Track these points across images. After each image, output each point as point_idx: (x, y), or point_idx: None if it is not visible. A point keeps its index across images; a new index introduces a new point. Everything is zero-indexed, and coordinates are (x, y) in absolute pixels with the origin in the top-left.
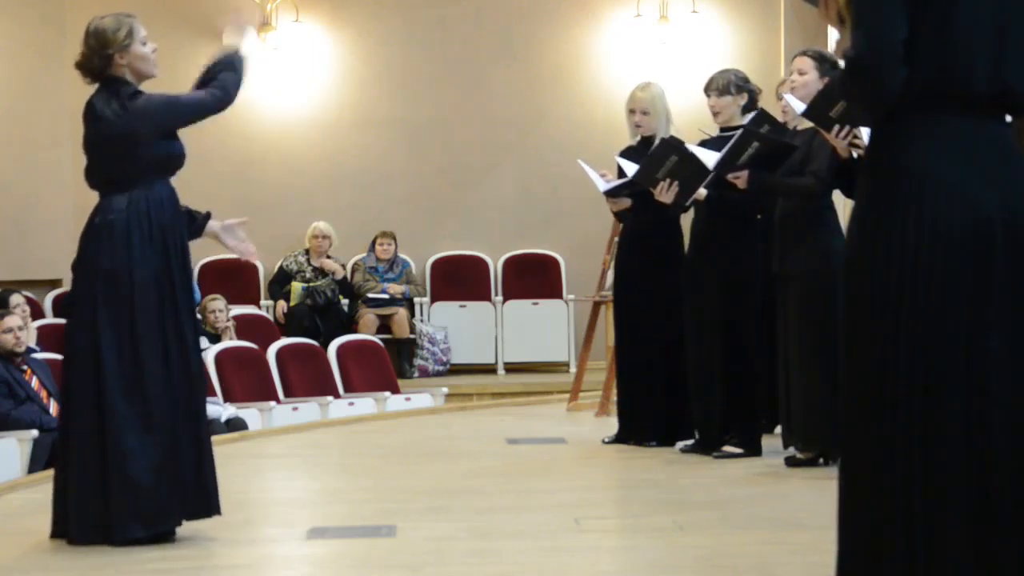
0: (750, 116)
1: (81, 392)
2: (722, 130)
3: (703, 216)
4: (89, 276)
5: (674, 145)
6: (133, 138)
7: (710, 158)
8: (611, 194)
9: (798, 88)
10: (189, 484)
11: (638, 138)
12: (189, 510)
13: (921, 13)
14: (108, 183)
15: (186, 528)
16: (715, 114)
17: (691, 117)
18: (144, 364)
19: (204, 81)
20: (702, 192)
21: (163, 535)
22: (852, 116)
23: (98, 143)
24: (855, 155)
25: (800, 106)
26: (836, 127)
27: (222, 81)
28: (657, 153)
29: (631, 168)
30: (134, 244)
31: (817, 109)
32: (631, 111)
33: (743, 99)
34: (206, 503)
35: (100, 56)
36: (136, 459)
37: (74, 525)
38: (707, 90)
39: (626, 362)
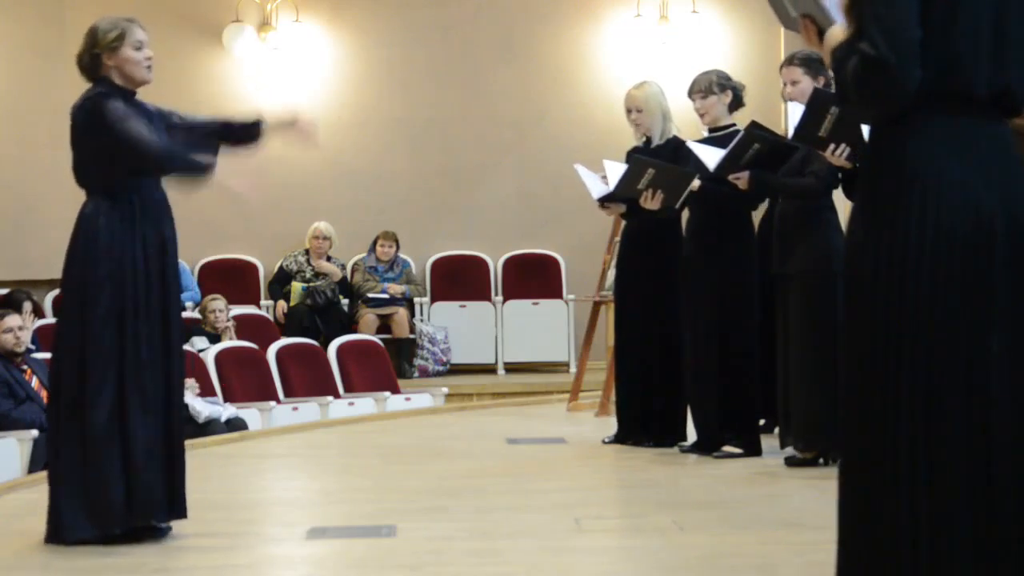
0: (737, 114)
1: (51, 400)
2: (711, 131)
3: (699, 216)
4: (66, 285)
5: (647, 160)
6: (90, 141)
7: (711, 157)
8: (605, 199)
9: (796, 99)
10: (146, 487)
11: (643, 138)
12: (147, 515)
13: (925, 14)
14: (85, 184)
15: (186, 528)
16: (701, 115)
17: (691, 117)
18: (111, 372)
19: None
20: (695, 183)
21: (159, 530)
22: (841, 133)
23: (72, 143)
24: (856, 164)
25: (796, 120)
26: (831, 146)
27: (178, 146)
28: (632, 169)
29: (613, 168)
30: (102, 252)
31: (805, 132)
32: (628, 110)
33: (727, 97)
34: (171, 506)
35: (89, 55)
36: (95, 463)
37: (48, 525)
38: (691, 94)
39: (625, 361)
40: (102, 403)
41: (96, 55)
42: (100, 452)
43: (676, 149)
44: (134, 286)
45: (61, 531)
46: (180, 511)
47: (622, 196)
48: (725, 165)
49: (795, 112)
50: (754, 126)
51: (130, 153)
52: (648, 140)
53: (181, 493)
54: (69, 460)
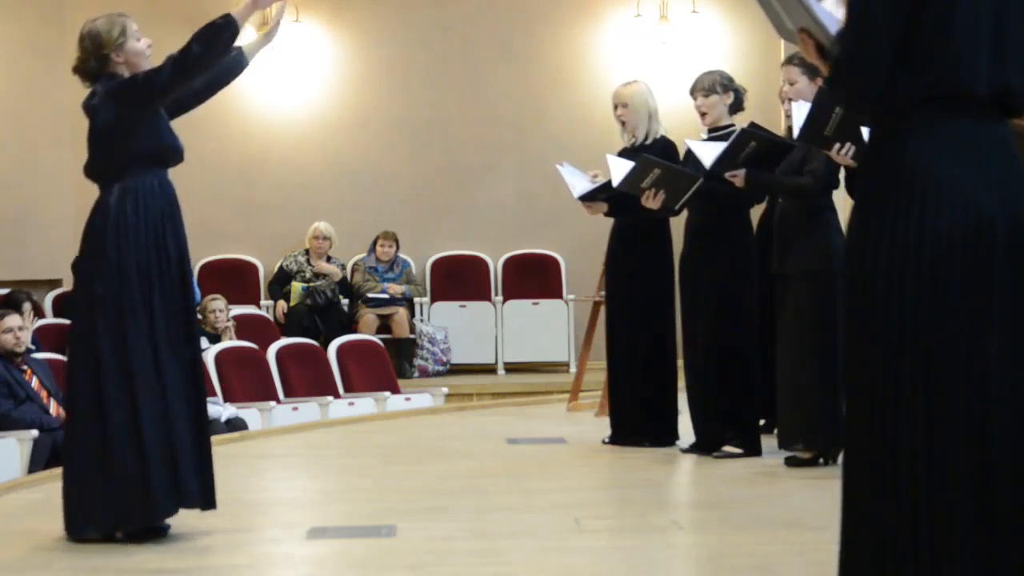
0: (738, 116)
1: (80, 392)
2: (710, 131)
3: (698, 215)
4: (84, 274)
5: (654, 160)
6: (113, 126)
7: (708, 155)
8: (587, 198)
9: (794, 98)
10: (184, 476)
11: (632, 139)
12: (186, 503)
13: (920, 15)
14: (100, 176)
15: (186, 528)
16: (702, 114)
17: (691, 117)
18: (136, 359)
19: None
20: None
21: (159, 530)
22: (846, 132)
23: (89, 136)
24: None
25: (800, 119)
26: (836, 145)
27: (187, 43)
28: (638, 167)
29: (617, 164)
30: (123, 239)
31: (810, 133)
32: (614, 106)
33: (729, 98)
34: (204, 496)
35: (97, 57)
36: (131, 453)
37: (79, 522)
38: (693, 92)
39: (616, 363)
40: (142, 391)
41: (105, 56)
42: (140, 441)
43: (664, 149)
44: (161, 274)
45: (96, 523)
46: (211, 501)
47: (624, 191)
48: (721, 163)
49: (800, 111)
50: (752, 127)
51: (151, 80)
52: (635, 141)
53: (211, 483)
54: (105, 451)
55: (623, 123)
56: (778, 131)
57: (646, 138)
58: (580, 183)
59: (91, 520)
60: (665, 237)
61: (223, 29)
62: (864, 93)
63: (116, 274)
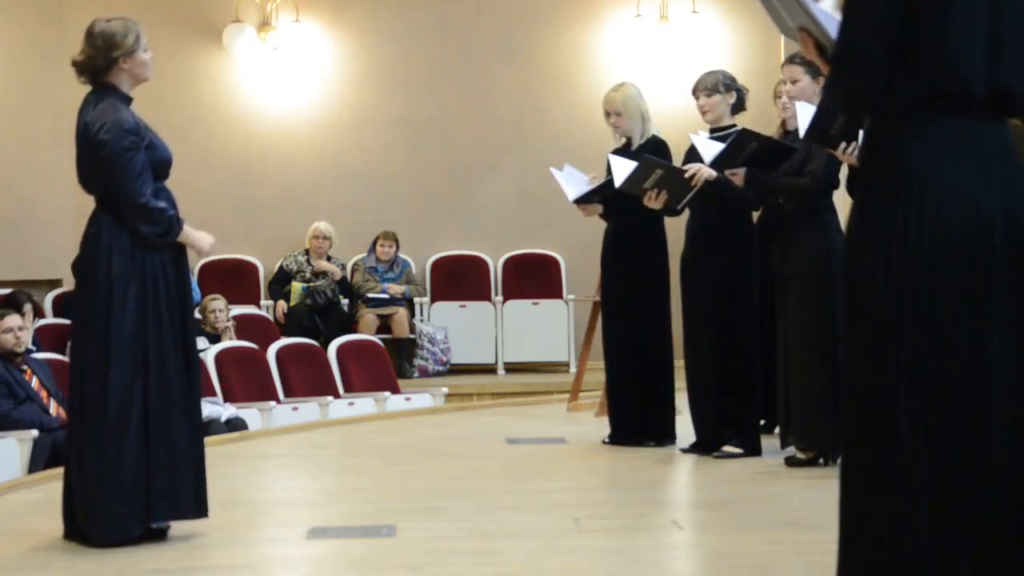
0: (740, 116)
1: (80, 396)
2: (712, 131)
3: (699, 216)
4: (83, 285)
5: (655, 161)
6: (102, 148)
7: (709, 152)
8: (582, 201)
9: (796, 97)
10: (176, 486)
11: (623, 140)
12: (178, 511)
13: (917, 15)
14: (95, 189)
15: (185, 528)
16: (704, 113)
17: (690, 117)
18: (134, 364)
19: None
20: (713, 173)
21: (158, 530)
22: (851, 130)
23: (78, 148)
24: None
25: (804, 120)
26: (842, 144)
27: (159, 211)
28: (640, 168)
29: (620, 164)
30: (121, 248)
31: (816, 131)
32: (606, 113)
33: (731, 98)
34: (195, 505)
35: (106, 58)
36: (131, 457)
37: (79, 524)
38: (695, 91)
39: (613, 363)
40: (132, 406)
41: (114, 59)
42: (133, 453)
43: (656, 148)
44: (156, 294)
45: (97, 531)
46: (203, 510)
47: (626, 192)
48: (721, 162)
49: (803, 110)
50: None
51: (120, 187)
52: (628, 141)
53: (204, 490)
54: (101, 462)
55: (615, 127)
56: (775, 131)
57: (640, 138)
58: (575, 186)
59: (91, 523)
60: (660, 237)
61: (168, 228)
62: (862, 94)
63: (115, 281)
